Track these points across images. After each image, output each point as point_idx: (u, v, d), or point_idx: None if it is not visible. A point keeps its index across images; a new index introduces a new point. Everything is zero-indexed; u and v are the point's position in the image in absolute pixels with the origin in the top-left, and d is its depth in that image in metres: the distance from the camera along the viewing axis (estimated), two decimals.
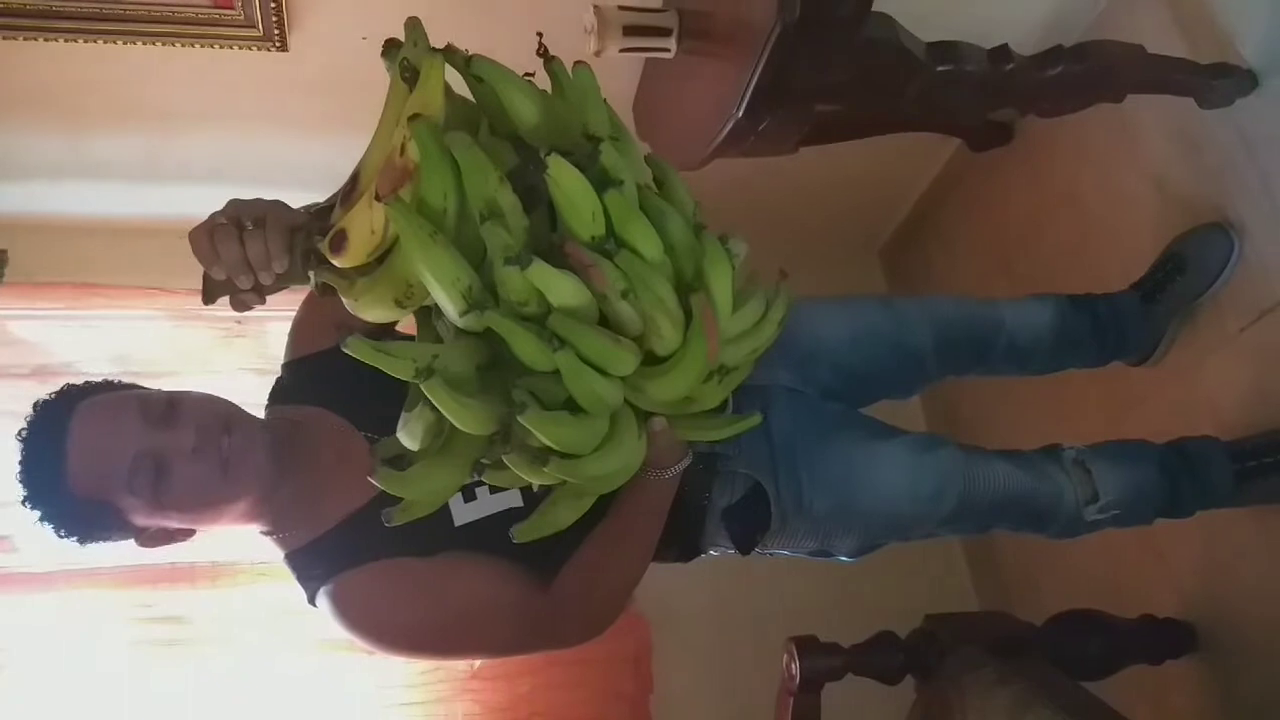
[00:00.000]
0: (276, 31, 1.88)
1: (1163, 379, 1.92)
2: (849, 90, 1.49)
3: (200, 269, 0.91)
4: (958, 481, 1.38)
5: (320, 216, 0.92)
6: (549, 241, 0.86)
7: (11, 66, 1.91)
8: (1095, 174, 2.14)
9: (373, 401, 1.01)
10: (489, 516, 1.19)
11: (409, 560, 1.14)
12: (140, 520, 1.14)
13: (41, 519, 1.12)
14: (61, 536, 1.13)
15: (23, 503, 1.11)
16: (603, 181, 0.84)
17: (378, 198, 0.81)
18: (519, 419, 0.83)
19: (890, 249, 2.93)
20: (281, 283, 0.92)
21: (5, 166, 2.14)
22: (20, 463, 1.11)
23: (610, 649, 2.34)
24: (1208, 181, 1.81)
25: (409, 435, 0.88)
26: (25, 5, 1.79)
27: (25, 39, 1.84)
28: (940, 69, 1.44)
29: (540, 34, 0.94)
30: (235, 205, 0.92)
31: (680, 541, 1.32)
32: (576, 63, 0.92)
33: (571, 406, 0.87)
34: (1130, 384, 1.96)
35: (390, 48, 0.90)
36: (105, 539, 1.15)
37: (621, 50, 1.63)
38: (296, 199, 2.46)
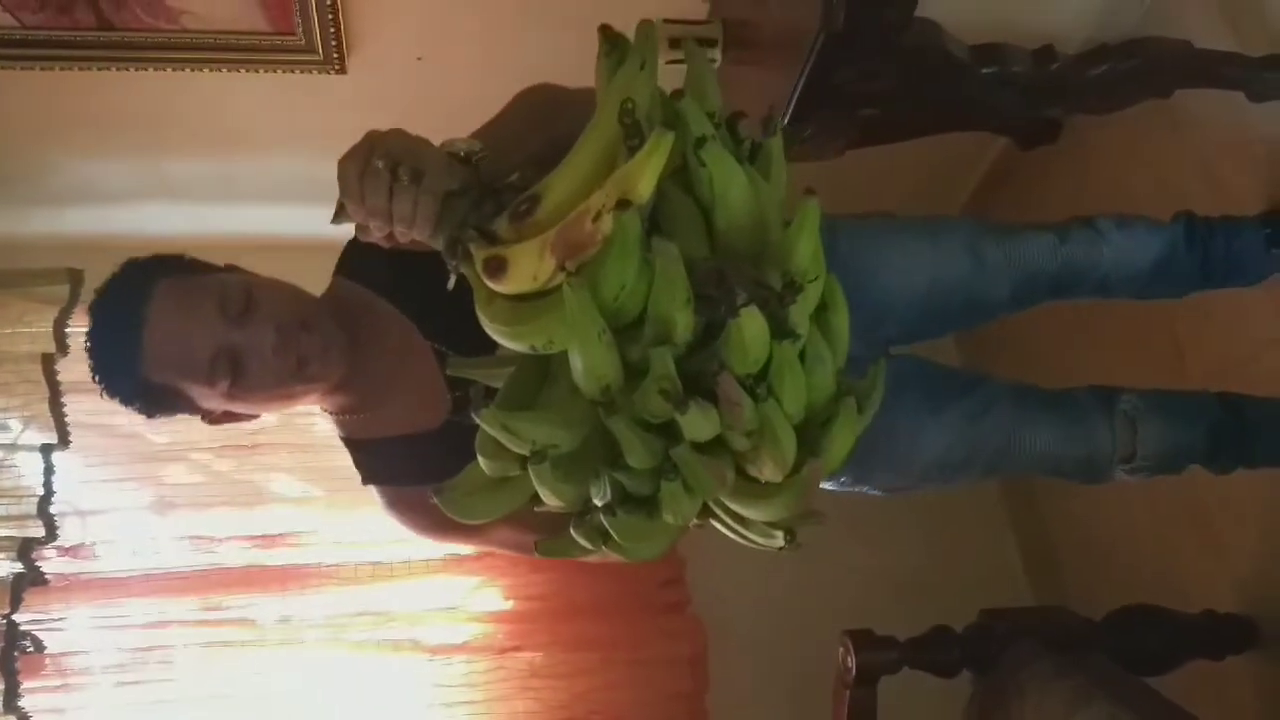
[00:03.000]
0: (335, 55, 1.95)
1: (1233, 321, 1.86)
2: (894, 96, 1.51)
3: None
4: (989, 452, 1.38)
5: (478, 199, 0.86)
6: (698, 345, 0.82)
7: (83, 94, 2.00)
8: (1145, 169, 2.13)
9: (448, 312, 0.94)
10: None
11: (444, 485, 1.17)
12: (209, 405, 1.14)
13: (110, 393, 1.11)
14: (127, 407, 1.12)
15: (93, 376, 1.10)
16: (781, 329, 0.81)
17: (559, 263, 0.77)
18: (603, 516, 0.83)
19: None
20: (418, 242, 0.88)
21: (83, 190, 2.24)
22: (93, 338, 1.10)
23: (667, 650, 2.38)
24: (1260, 174, 1.80)
25: (486, 467, 0.87)
26: (100, 38, 1.88)
27: (98, 68, 1.93)
28: (985, 71, 1.46)
29: (772, 110, 0.88)
30: (398, 145, 0.87)
31: None
32: (808, 191, 0.85)
33: (648, 503, 0.86)
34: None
35: (609, 43, 0.84)
36: (171, 415, 1.15)
37: (668, 62, 1.67)
38: None
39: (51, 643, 2.18)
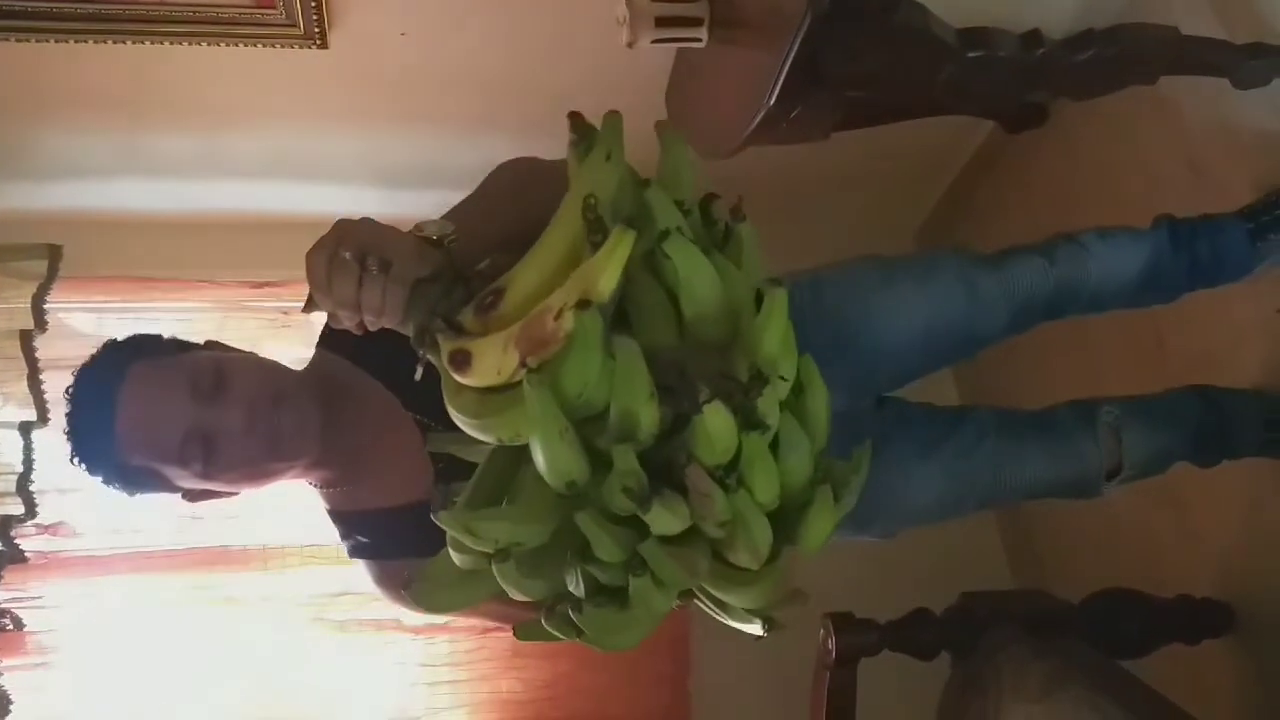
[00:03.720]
0: (317, 29, 1.92)
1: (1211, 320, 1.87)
2: (880, 77, 1.50)
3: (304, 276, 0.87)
4: (981, 488, 1.39)
5: (448, 287, 0.87)
6: (665, 435, 0.81)
7: (62, 68, 1.97)
8: (1131, 155, 2.13)
9: (429, 385, 0.97)
10: None
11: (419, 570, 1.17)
12: (187, 484, 1.14)
13: (91, 474, 1.12)
14: (109, 488, 1.14)
15: (71, 459, 1.12)
16: (749, 420, 0.80)
17: (521, 358, 0.77)
18: (571, 612, 0.82)
19: (926, 232, 2.92)
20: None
21: (61, 165, 2.21)
22: (69, 425, 1.11)
23: None
24: (1245, 162, 1.80)
25: (456, 559, 0.86)
26: (78, 10, 1.85)
27: (76, 41, 1.89)
28: (971, 55, 1.45)
29: (740, 200, 0.88)
30: (364, 235, 0.87)
31: None
32: (773, 281, 0.84)
33: (620, 594, 0.84)
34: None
35: (579, 132, 0.85)
36: (153, 493, 1.15)
37: (653, 41, 1.66)
38: (339, 191, 2.50)
39: (31, 621, 2.16)
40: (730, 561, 0.85)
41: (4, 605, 2.14)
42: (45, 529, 2.21)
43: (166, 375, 1.11)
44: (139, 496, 1.16)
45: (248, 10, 1.90)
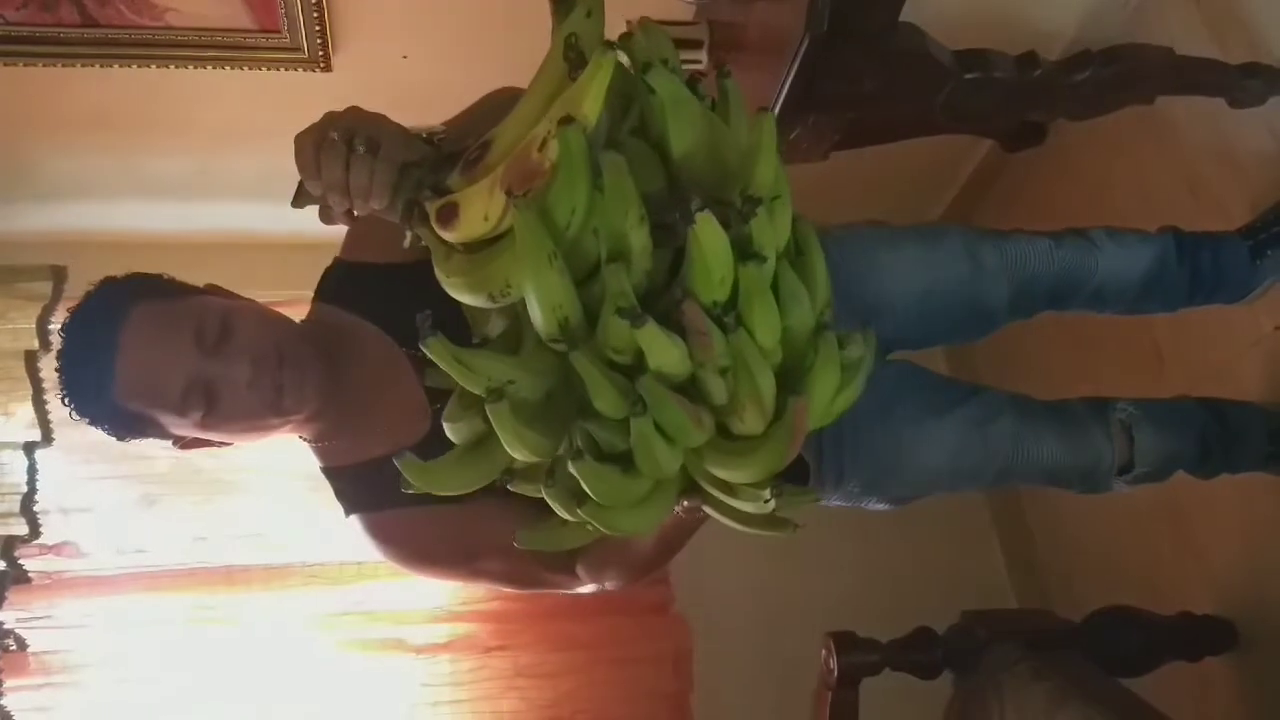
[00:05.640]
0: (321, 53, 1.94)
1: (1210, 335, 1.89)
2: (878, 99, 1.51)
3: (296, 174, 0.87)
4: (1000, 460, 1.39)
5: (435, 165, 0.85)
6: (664, 288, 0.79)
7: (69, 91, 1.99)
8: (1129, 174, 2.14)
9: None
10: None
11: (443, 509, 1.07)
12: (181, 432, 1.13)
13: (79, 414, 1.09)
14: (94, 428, 1.11)
15: (63, 400, 1.08)
16: (744, 250, 0.77)
17: (505, 190, 0.74)
18: (570, 464, 0.79)
19: None
20: (377, 214, 0.86)
21: (65, 186, 2.23)
22: (64, 359, 1.07)
23: (651, 649, 2.38)
24: (1241, 181, 1.81)
25: (453, 433, 0.85)
26: (84, 35, 1.87)
27: (83, 65, 1.92)
28: (968, 77, 1.46)
29: (725, 60, 0.86)
30: (354, 119, 0.86)
31: None
32: (761, 109, 0.82)
33: (624, 460, 0.82)
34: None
35: (558, 2, 0.81)
36: (141, 439, 1.13)
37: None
38: None
39: (35, 641, 2.17)
40: (735, 433, 0.82)
41: (8, 626, 2.14)
42: (49, 549, 2.22)
43: (172, 320, 1.07)
44: (129, 441, 1.13)
45: (252, 34, 1.92)
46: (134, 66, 1.93)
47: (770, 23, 1.51)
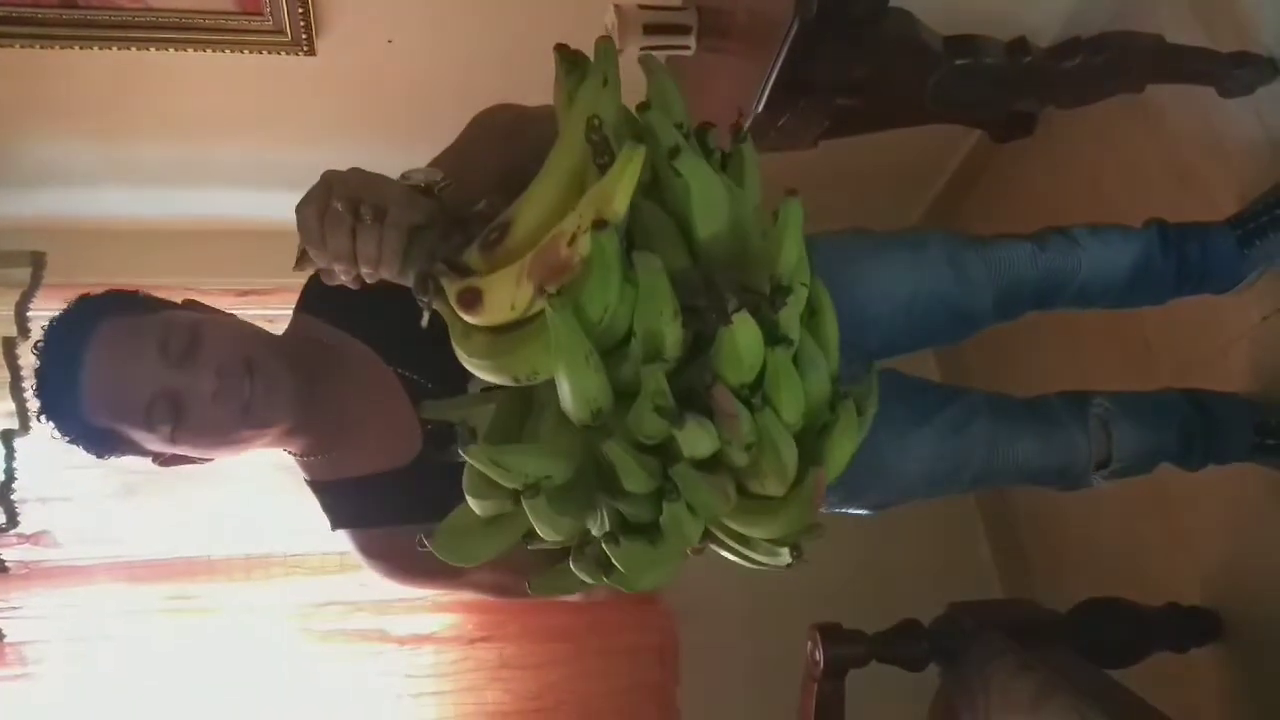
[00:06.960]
0: (304, 36, 1.92)
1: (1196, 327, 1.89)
2: (868, 85, 1.50)
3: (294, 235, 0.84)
4: (976, 464, 1.39)
5: (445, 231, 0.84)
6: (686, 362, 0.80)
7: (47, 74, 1.96)
8: (1118, 163, 2.14)
9: (415, 339, 0.91)
10: None
11: (431, 528, 1.06)
12: (156, 448, 1.10)
13: (58, 433, 1.08)
14: (79, 448, 1.09)
15: (38, 417, 1.08)
16: (773, 335, 0.79)
17: (537, 288, 0.74)
18: (604, 545, 0.81)
19: None
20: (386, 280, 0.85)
21: (43, 171, 2.20)
22: (37, 382, 1.07)
23: (637, 641, 2.38)
24: (1230, 170, 1.81)
25: (479, 508, 0.84)
26: (60, 16, 1.84)
27: (61, 47, 1.89)
28: (958, 62, 1.45)
29: (741, 117, 0.86)
30: (356, 183, 0.83)
31: None
32: (789, 191, 0.82)
33: (650, 529, 0.83)
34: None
35: (568, 63, 0.82)
36: (119, 456, 1.11)
37: (642, 49, 1.65)
38: None
39: (11, 631, 2.14)
40: (754, 492, 0.84)
41: None
42: (27, 538, 2.19)
43: (136, 334, 1.06)
44: (108, 459, 1.11)
45: (235, 16, 1.90)
46: (114, 49, 1.90)
47: (759, 7, 1.49)
